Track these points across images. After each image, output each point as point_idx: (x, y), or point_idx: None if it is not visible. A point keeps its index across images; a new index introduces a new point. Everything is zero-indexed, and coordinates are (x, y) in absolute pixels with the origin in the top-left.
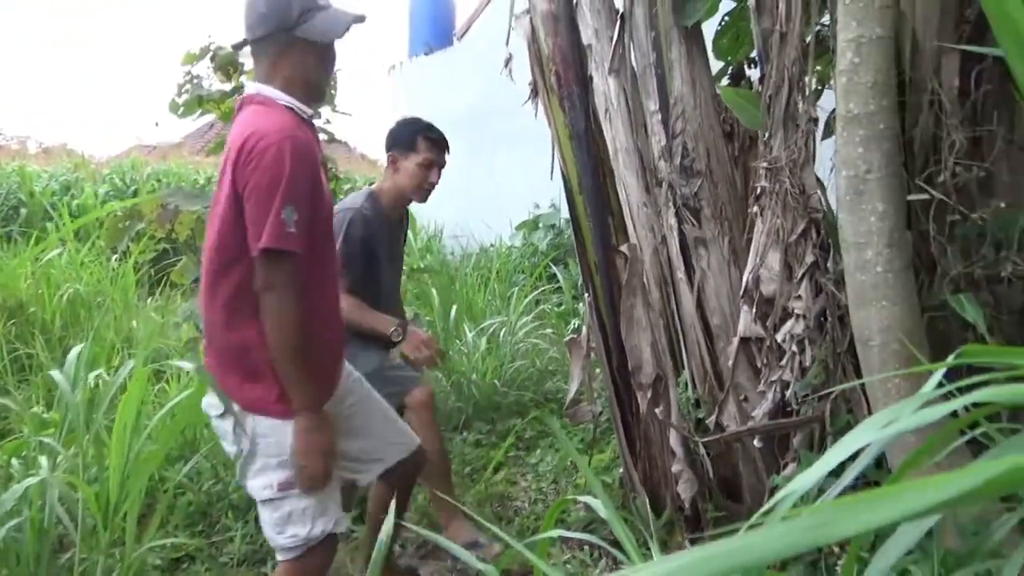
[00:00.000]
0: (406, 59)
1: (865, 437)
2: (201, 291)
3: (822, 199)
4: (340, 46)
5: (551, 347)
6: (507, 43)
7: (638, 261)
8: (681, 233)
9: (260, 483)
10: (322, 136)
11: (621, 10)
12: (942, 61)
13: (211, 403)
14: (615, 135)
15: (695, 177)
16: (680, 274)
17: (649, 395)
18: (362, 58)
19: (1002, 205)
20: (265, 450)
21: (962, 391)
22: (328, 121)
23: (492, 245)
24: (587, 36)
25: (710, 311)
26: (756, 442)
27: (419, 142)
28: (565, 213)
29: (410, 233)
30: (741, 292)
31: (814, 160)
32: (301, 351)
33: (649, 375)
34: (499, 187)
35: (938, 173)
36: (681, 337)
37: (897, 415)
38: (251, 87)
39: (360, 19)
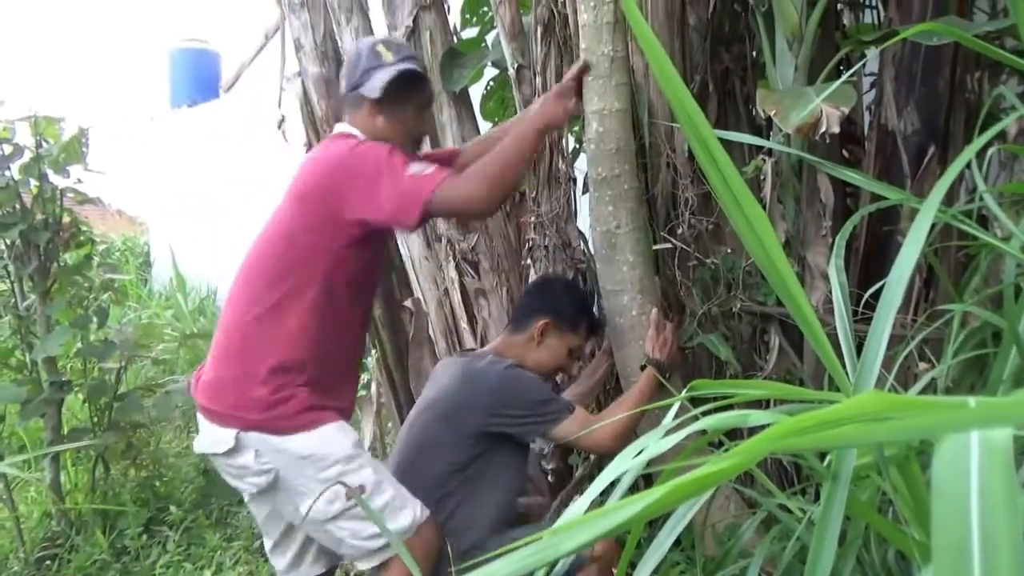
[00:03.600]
0: (168, 111)
1: (623, 465)
2: (234, 306)
3: (585, 250)
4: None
5: None
6: (279, 104)
7: (423, 315)
8: (462, 285)
9: (322, 500)
10: (70, 195)
11: None
12: (674, 128)
13: (214, 440)
14: None
15: (472, 232)
16: (464, 324)
17: None
18: (118, 111)
19: (729, 251)
20: (313, 465)
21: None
22: (79, 181)
23: None
24: None
25: None
26: (549, 478)
27: (583, 325)
28: None
29: (180, 296)
30: None
31: (576, 215)
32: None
33: None
34: None
35: (678, 226)
36: None
37: (646, 443)
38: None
39: (405, 72)
